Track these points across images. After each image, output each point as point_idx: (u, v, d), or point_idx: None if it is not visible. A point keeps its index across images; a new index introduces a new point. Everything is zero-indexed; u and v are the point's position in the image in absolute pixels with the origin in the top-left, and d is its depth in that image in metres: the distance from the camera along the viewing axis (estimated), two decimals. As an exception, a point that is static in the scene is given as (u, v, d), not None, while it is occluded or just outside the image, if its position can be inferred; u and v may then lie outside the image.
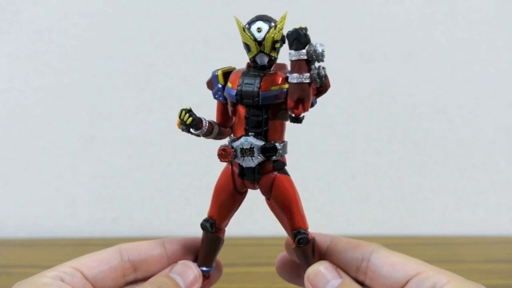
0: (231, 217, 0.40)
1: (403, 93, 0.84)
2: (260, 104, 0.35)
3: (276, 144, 0.36)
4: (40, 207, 0.87)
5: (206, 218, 0.40)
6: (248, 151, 0.35)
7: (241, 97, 0.36)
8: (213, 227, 0.39)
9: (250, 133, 0.36)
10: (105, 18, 0.82)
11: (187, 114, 0.37)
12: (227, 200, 0.39)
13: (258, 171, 0.36)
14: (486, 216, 0.87)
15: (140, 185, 0.86)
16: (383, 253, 0.36)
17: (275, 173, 0.37)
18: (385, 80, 0.83)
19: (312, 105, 0.36)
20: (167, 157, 0.85)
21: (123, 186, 0.87)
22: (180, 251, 0.41)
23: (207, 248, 0.40)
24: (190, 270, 0.38)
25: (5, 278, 0.68)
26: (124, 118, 0.84)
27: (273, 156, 0.35)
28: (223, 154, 0.36)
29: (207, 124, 0.37)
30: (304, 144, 0.84)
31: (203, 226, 0.39)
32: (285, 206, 0.37)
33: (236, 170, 0.37)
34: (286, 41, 0.34)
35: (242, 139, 0.36)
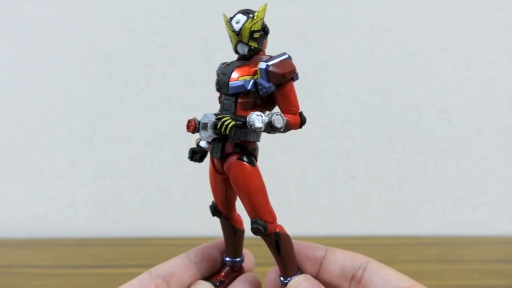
0: (223, 200, 0.41)
1: (403, 93, 0.84)
2: (230, 93, 0.37)
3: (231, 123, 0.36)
4: (40, 207, 0.87)
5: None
6: (205, 125, 0.37)
7: (219, 86, 0.38)
8: (216, 210, 0.41)
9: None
10: (105, 18, 0.82)
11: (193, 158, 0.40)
12: (213, 182, 0.41)
13: (219, 148, 0.38)
14: (486, 216, 0.87)
15: (140, 185, 0.86)
16: (378, 265, 0.39)
17: (234, 158, 0.37)
18: (385, 80, 0.83)
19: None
20: (167, 157, 0.85)
21: (123, 186, 0.87)
22: (206, 256, 0.42)
23: (224, 235, 0.43)
24: None
25: (5, 278, 0.68)
26: (124, 118, 0.84)
27: (221, 133, 0.36)
28: (188, 124, 0.38)
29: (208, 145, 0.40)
30: (304, 144, 0.84)
31: (210, 209, 0.42)
32: (240, 193, 0.38)
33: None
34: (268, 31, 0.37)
35: (204, 114, 0.38)
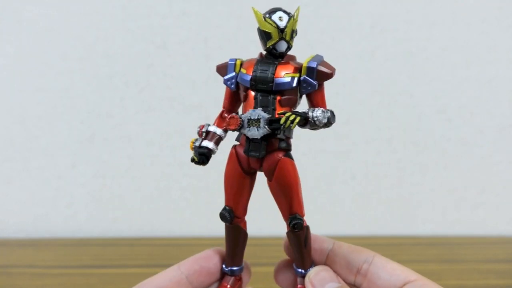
0: (246, 202, 0.40)
1: (403, 93, 0.84)
2: (274, 90, 0.37)
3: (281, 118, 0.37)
4: (40, 207, 0.87)
5: (223, 207, 0.40)
6: (254, 122, 0.37)
7: (255, 82, 0.37)
8: (231, 214, 0.40)
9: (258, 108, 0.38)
10: (105, 18, 0.82)
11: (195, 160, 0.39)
12: (237, 183, 0.39)
13: (264, 147, 0.37)
14: (486, 216, 0.87)
15: (140, 185, 0.86)
16: (384, 259, 0.39)
17: (280, 155, 0.38)
18: (385, 80, 0.83)
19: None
20: (167, 157, 0.85)
21: (123, 186, 0.87)
22: (197, 268, 0.40)
23: (231, 243, 0.41)
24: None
25: (5, 278, 0.68)
26: (124, 118, 0.84)
27: (279, 128, 0.36)
28: (230, 121, 0.37)
29: (215, 147, 0.40)
30: (304, 144, 0.84)
31: (221, 215, 0.40)
32: (286, 189, 0.38)
33: (242, 149, 0.39)
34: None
35: (250, 111, 0.37)
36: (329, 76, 0.37)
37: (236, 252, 0.41)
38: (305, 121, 0.36)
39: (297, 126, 0.36)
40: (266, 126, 0.36)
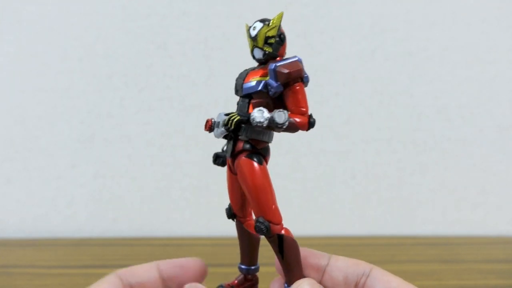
0: (239, 201, 0.42)
1: (403, 93, 0.84)
2: (244, 94, 0.39)
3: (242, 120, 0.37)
4: (40, 207, 0.87)
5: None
6: (217, 123, 0.40)
7: (236, 88, 0.40)
8: (230, 211, 0.42)
9: None
10: (105, 18, 0.82)
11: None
12: (228, 182, 0.42)
13: (231, 147, 0.39)
14: (486, 216, 0.87)
15: (140, 185, 0.86)
16: (381, 271, 0.39)
17: (243, 156, 0.38)
18: (385, 80, 0.83)
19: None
20: (167, 157, 0.85)
21: (123, 186, 0.87)
22: (177, 272, 0.41)
23: (239, 239, 0.43)
24: None
25: (5, 278, 0.68)
26: (124, 118, 0.84)
27: (229, 130, 0.37)
28: (205, 123, 0.41)
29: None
30: (304, 144, 0.84)
31: (226, 211, 0.43)
32: (246, 190, 0.38)
33: None
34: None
35: (218, 114, 0.40)
36: (286, 76, 0.37)
37: (243, 250, 0.43)
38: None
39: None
40: (222, 127, 0.38)
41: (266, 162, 0.39)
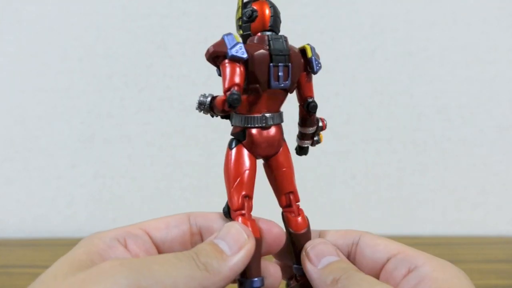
0: (276, 192, 0.40)
1: (403, 93, 0.84)
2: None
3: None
4: (40, 207, 0.87)
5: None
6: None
7: None
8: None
9: None
10: (105, 18, 0.82)
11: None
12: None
13: None
14: (486, 216, 0.87)
15: (140, 185, 0.86)
16: (369, 237, 0.37)
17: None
18: (385, 80, 0.83)
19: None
20: (167, 157, 0.85)
21: (123, 186, 0.86)
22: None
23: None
24: (235, 232, 0.32)
25: (5, 278, 0.68)
26: (124, 118, 0.84)
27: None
28: None
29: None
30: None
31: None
32: None
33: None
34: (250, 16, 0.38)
35: None
36: (206, 55, 0.37)
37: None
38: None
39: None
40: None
41: (247, 148, 0.36)
